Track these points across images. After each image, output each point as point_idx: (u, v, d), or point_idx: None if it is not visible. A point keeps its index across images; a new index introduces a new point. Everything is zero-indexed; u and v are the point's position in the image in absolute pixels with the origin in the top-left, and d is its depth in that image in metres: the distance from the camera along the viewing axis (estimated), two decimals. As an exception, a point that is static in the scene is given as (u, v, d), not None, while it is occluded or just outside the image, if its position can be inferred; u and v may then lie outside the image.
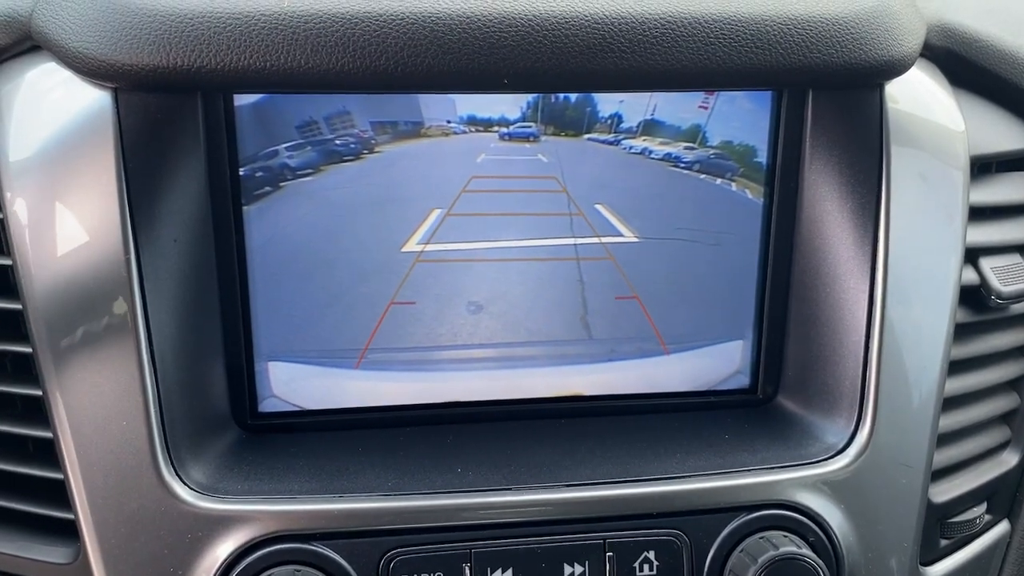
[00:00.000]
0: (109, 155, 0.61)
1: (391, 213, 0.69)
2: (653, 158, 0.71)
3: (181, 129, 0.63)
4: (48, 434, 0.63)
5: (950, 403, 0.74)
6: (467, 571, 0.65)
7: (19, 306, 0.62)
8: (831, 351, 0.72)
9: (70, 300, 0.61)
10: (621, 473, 0.68)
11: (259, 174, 0.67)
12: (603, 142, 0.70)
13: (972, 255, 0.74)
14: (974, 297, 0.75)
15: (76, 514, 0.63)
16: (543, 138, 0.70)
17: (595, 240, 0.72)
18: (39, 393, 0.63)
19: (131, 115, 0.61)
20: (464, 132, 0.68)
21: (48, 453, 0.64)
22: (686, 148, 0.71)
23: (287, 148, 0.67)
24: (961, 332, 0.74)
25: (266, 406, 0.72)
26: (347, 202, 0.68)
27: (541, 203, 0.71)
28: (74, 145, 0.61)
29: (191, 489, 0.63)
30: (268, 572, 0.62)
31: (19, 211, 0.61)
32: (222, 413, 0.70)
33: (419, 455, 0.69)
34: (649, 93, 0.69)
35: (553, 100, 0.69)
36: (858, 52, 0.64)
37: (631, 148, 0.71)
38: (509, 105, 0.68)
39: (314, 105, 0.67)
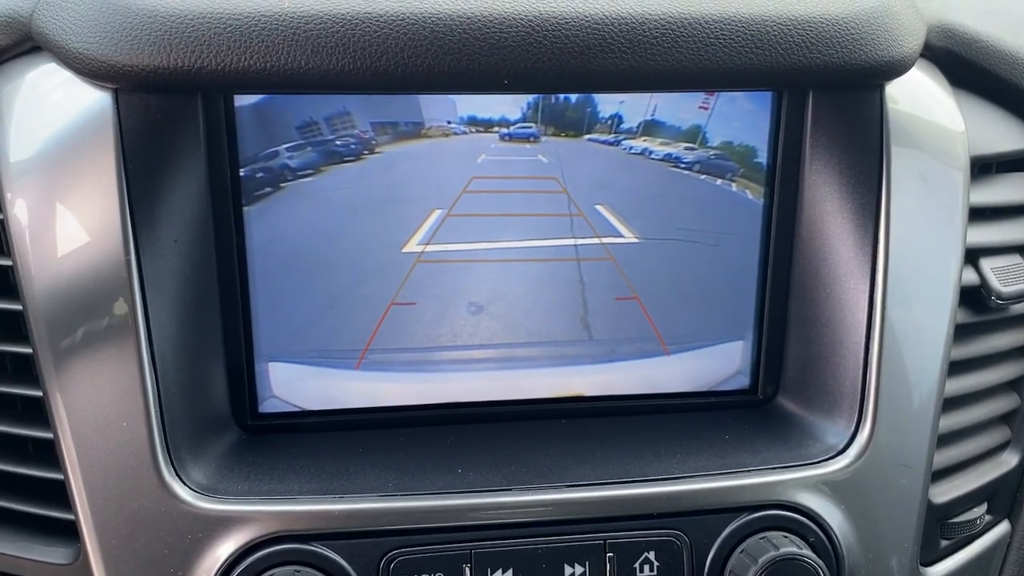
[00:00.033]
0: (109, 156, 0.61)
1: (391, 214, 0.69)
2: (653, 159, 0.71)
3: (181, 130, 0.63)
4: (48, 435, 0.63)
5: (950, 404, 0.74)
6: (467, 571, 0.65)
7: (19, 307, 0.62)
8: (831, 352, 0.72)
9: (70, 301, 0.61)
10: (621, 474, 0.67)
11: (259, 175, 0.67)
12: (603, 143, 0.70)
13: (972, 256, 0.74)
14: (974, 298, 0.75)
15: (76, 515, 0.63)
16: (543, 139, 0.70)
17: (595, 241, 0.72)
18: (39, 394, 0.63)
19: (131, 116, 0.61)
20: (464, 133, 0.68)
21: (48, 454, 0.64)
22: (686, 149, 0.71)
23: (287, 149, 0.67)
24: (961, 333, 0.74)
25: (266, 407, 0.72)
26: (347, 203, 0.68)
27: (541, 204, 0.71)
28: (74, 146, 0.61)
29: (191, 490, 0.63)
30: (268, 572, 0.62)
31: (19, 212, 0.61)
32: (222, 414, 0.70)
33: (419, 456, 0.69)
34: (649, 94, 0.69)
35: (553, 101, 0.69)
36: (858, 53, 0.64)
37: (631, 149, 0.71)
38: (509, 106, 0.68)
39: (314, 106, 0.67)
